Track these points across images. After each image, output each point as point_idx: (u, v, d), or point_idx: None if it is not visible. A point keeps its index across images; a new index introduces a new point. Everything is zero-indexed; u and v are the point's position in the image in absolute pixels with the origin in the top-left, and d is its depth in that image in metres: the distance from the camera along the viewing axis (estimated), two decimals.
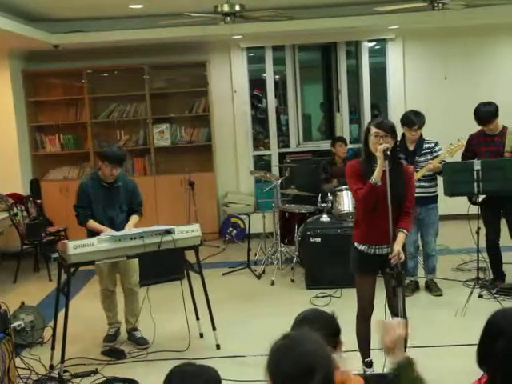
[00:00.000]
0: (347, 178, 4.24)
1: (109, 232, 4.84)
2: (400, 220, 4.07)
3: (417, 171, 5.80)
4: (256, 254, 7.56)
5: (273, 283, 6.73)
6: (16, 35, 6.90)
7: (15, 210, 7.55)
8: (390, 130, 4.03)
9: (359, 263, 4.22)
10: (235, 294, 6.51)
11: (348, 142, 9.07)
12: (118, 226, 5.05)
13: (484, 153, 5.89)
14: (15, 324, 5.12)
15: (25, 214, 7.80)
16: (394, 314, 4.06)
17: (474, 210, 5.81)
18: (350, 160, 4.78)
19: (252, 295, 6.47)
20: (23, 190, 8.38)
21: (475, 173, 5.52)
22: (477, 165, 5.54)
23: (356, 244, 4.22)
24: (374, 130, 4.03)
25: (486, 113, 5.82)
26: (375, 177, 3.96)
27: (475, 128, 6.00)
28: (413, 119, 5.81)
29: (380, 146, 3.94)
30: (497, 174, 5.50)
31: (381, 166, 3.93)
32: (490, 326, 2.15)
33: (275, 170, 9.00)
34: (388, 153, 3.90)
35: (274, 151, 9.37)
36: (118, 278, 5.40)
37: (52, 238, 7.72)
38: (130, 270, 5.26)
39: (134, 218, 5.21)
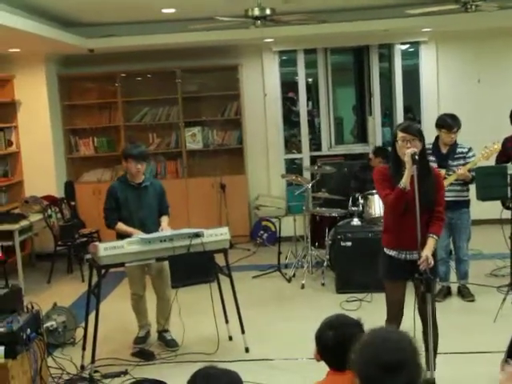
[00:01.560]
0: (375, 184, 4.21)
1: (138, 234, 4.89)
2: (431, 225, 4.03)
3: (449, 175, 5.74)
4: (287, 258, 7.56)
5: (303, 287, 6.71)
6: (52, 40, 7.02)
7: (49, 211, 7.69)
8: (418, 133, 3.99)
9: (389, 269, 4.17)
10: (265, 298, 6.51)
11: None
12: (150, 227, 5.10)
13: None
14: (48, 324, 5.20)
15: (59, 215, 7.94)
16: (424, 320, 4.02)
17: (507, 214, 5.72)
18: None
19: (282, 298, 6.47)
20: (58, 192, 8.51)
21: (509, 177, 5.43)
22: (510, 169, 5.47)
23: (386, 249, 4.17)
24: (400, 134, 4.00)
25: None
26: (404, 181, 3.92)
27: (509, 131, 5.91)
28: (451, 122, 5.75)
29: (408, 151, 3.90)
30: None
31: (409, 170, 3.89)
32: None
33: (306, 173, 8.99)
34: (416, 157, 3.86)
35: (305, 154, 9.35)
36: (148, 282, 5.44)
37: (85, 239, 7.82)
38: (162, 274, 5.30)
39: (166, 219, 5.26)
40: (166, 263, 5.25)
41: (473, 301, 5.98)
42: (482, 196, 5.60)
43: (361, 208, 6.86)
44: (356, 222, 6.76)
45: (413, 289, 4.18)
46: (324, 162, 8.98)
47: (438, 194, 4.10)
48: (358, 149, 9.44)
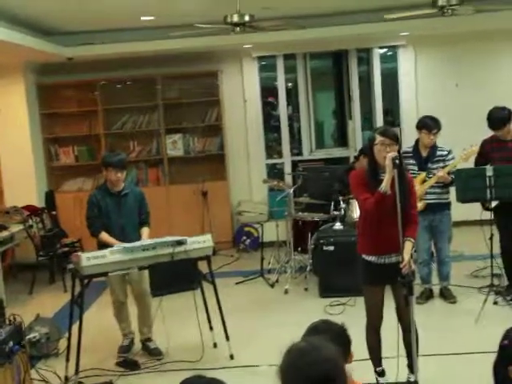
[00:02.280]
0: (353, 188, 4.22)
1: (120, 244, 4.87)
2: (407, 229, 4.05)
3: (429, 178, 5.79)
4: (269, 263, 7.58)
5: (286, 292, 6.72)
6: (30, 49, 6.98)
7: (30, 222, 7.63)
8: (395, 138, 4.03)
9: (369, 274, 4.18)
10: (249, 304, 6.52)
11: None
12: (130, 235, 5.09)
13: (497, 159, 5.86)
14: (30, 336, 5.15)
15: (40, 225, 7.88)
16: (404, 323, 4.05)
17: (487, 215, 5.78)
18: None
19: (265, 304, 6.47)
20: (38, 201, 8.45)
21: (487, 179, 5.50)
22: (489, 171, 5.53)
23: (364, 255, 4.19)
24: (379, 138, 4.01)
25: (498, 118, 5.80)
26: (385, 185, 3.93)
27: (487, 134, 5.98)
28: (432, 123, 5.82)
29: (389, 155, 3.91)
30: (509, 180, 5.48)
31: (390, 174, 3.91)
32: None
33: (288, 178, 9.01)
34: (397, 161, 3.89)
35: (286, 159, 9.37)
36: (129, 289, 5.42)
37: (67, 249, 7.77)
38: (139, 281, 5.28)
39: (147, 231, 5.25)
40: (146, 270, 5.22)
41: (455, 302, 6.03)
42: (462, 198, 5.66)
43: (343, 212, 6.89)
44: (338, 226, 6.78)
45: (390, 293, 4.21)
46: (305, 167, 9.03)
47: (412, 198, 4.14)
48: (338, 153, 9.48)
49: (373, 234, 4.10)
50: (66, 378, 4.81)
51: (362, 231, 4.21)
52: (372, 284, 4.19)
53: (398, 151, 4.02)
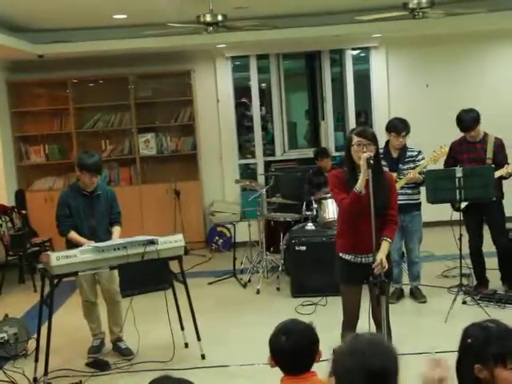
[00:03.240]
0: (330, 188, 4.24)
1: (90, 243, 4.83)
2: (385, 228, 4.08)
3: (400, 179, 5.84)
4: (242, 263, 7.58)
5: (258, 292, 6.73)
6: (0, 46, 6.88)
7: None
8: (373, 138, 4.04)
9: (345, 273, 4.19)
10: (220, 304, 6.51)
11: (334, 149, 9.15)
12: (100, 235, 5.04)
13: (466, 160, 5.94)
14: None
15: (9, 225, 7.77)
16: (378, 323, 4.07)
17: (457, 216, 5.86)
18: (335, 169, 4.79)
19: (237, 304, 6.47)
20: (8, 200, 8.34)
21: (457, 180, 5.56)
22: (459, 172, 5.59)
23: (341, 254, 4.19)
24: (356, 138, 4.03)
25: (467, 119, 5.87)
26: (359, 185, 3.95)
27: (457, 135, 6.05)
28: (400, 126, 5.86)
29: (363, 155, 3.93)
30: (478, 181, 5.55)
31: (364, 174, 3.93)
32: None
33: (261, 179, 9.02)
34: (371, 161, 3.91)
35: (259, 159, 9.39)
36: (98, 289, 5.38)
37: (37, 248, 7.69)
38: (108, 280, 5.24)
39: (118, 230, 5.20)
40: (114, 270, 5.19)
41: (425, 302, 6.09)
42: (432, 199, 5.71)
43: (315, 212, 6.92)
44: (310, 226, 6.81)
45: (367, 292, 4.24)
46: (278, 167, 9.05)
47: (391, 197, 4.15)
48: (311, 153, 9.47)
49: (351, 233, 4.10)
50: (35, 380, 4.75)
51: (340, 230, 4.22)
52: (348, 282, 4.20)
53: (377, 151, 4.05)
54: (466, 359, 2.30)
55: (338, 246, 4.24)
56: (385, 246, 4.04)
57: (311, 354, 2.62)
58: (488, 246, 6.12)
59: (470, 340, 2.30)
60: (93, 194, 5.13)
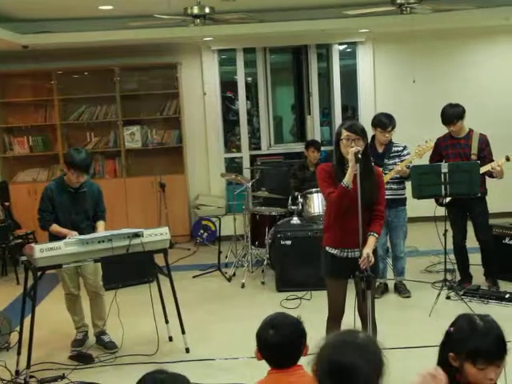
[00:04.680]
0: (319, 182, 4.22)
1: (75, 235, 4.79)
2: (372, 223, 4.08)
3: (385, 174, 5.85)
4: (227, 257, 7.57)
5: (243, 286, 6.72)
6: None
7: None
8: (362, 133, 4.03)
9: (331, 267, 4.18)
10: (205, 297, 6.49)
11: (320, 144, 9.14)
12: (84, 232, 4.96)
13: (451, 155, 5.97)
14: None
15: None
16: (363, 318, 4.08)
17: (441, 211, 5.88)
18: (323, 163, 4.76)
19: (222, 298, 6.46)
20: None
21: (443, 175, 5.59)
22: (444, 167, 5.62)
23: (328, 248, 4.18)
24: (345, 133, 4.02)
25: (449, 113, 5.90)
26: (347, 180, 3.95)
27: (443, 130, 6.07)
28: (386, 121, 5.86)
29: (351, 149, 3.93)
30: (463, 177, 5.58)
31: (352, 168, 3.92)
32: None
33: (246, 173, 9.00)
34: (359, 156, 3.91)
35: (245, 153, 9.37)
36: (81, 282, 5.34)
37: (20, 241, 7.62)
38: (91, 273, 5.20)
39: (102, 225, 5.15)
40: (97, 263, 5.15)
41: (409, 297, 6.11)
42: (418, 194, 5.74)
43: (300, 207, 6.92)
44: (295, 220, 6.81)
45: (353, 287, 4.24)
46: (263, 161, 9.04)
47: (379, 192, 4.15)
48: (297, 148, 9.50)
49: (337, 227, 4.09)
50: (17, 372, 4.71)
51: (327, 224, 4.21)
52: (333, 276, 4.19)
53: (366, 145, 4.05)
54: (445, 345, 2.36)
55: (324, 239, 4.24)
56: (371, 240, 4.04)
57: (298, 348, 2.62)
58: (472, 241, 6.15)
59: (452, 329, 2.36)
60: (78, 190, 5.07)
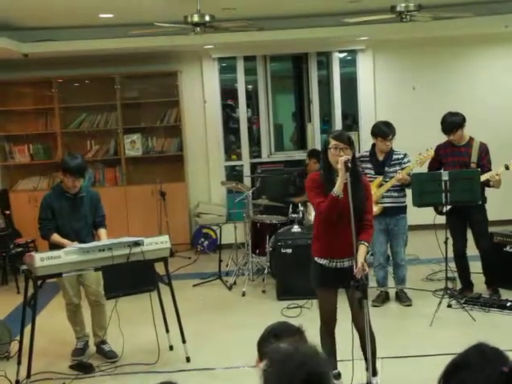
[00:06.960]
0: (308, 191, 4.23)
1: (74, 245, 4.78)
2: (362, 233, 4.07)
3: (386, 181, 5.86)
4: (227, 265, 7.55)
5: (244, 294, 6.70)
6: None
7: None
8: (349, 142, 4.05)
9: (321, 277, 4.20)
10: (206, 306, 6.48)
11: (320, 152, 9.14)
12: (84, 238, 4.99)
13: (451, 163, 5.97)
14: None
15: None
16: (359, 326, 4.08)
17: (441, 220, 5.87)
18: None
19: (223, 306, 6.44)
20: None
21: (443, 183, 5.58)
22: (445, 175, 5.61)
23: (316, 258, 4.19)
24: (333, 142, 4.04)
25: (450, 122, 5.91)
26: (337, 189, 3.95)
27: (443, 138, 6.07)
28: (386, 130, 5.87)
29: (341, 158, 3.94)
30: (464, 185, 5.57)
31: (342, 177, 3.93)
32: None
33: (247, 181, 9.00)
34: (349, 164, 3.91)
35: (246, 161, 9.37)
36: (82, 291, 5.33)
37: (20, 249, 7.60)
38: (93, 282, 5.19)
39: (104, 232, 5.16)
40: (98, 272, 5.13)
41: (410, 305, 6.09)
42: (419, 202, 5.73)
43: (301, 215, 6.91)
44: (296, 228, 6.80)
45: (344, 296, 4.23)
46: (264, 169, 9.03)
47: (367, 202, 4.17)
48: (297, 155, 9.50)
49: (327, 237, 4.11)
50: (18, 382, 4.69)
51: (317, 234, 4.22)
52: (323, 287, 4.22)
53: (353, 155, 4.05)
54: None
55: (313, 250, 4.24)
56: (363, 249, 4.06)
57: None
58: (472, 249, 6.14)
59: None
60: (76, 196, 5.09)
